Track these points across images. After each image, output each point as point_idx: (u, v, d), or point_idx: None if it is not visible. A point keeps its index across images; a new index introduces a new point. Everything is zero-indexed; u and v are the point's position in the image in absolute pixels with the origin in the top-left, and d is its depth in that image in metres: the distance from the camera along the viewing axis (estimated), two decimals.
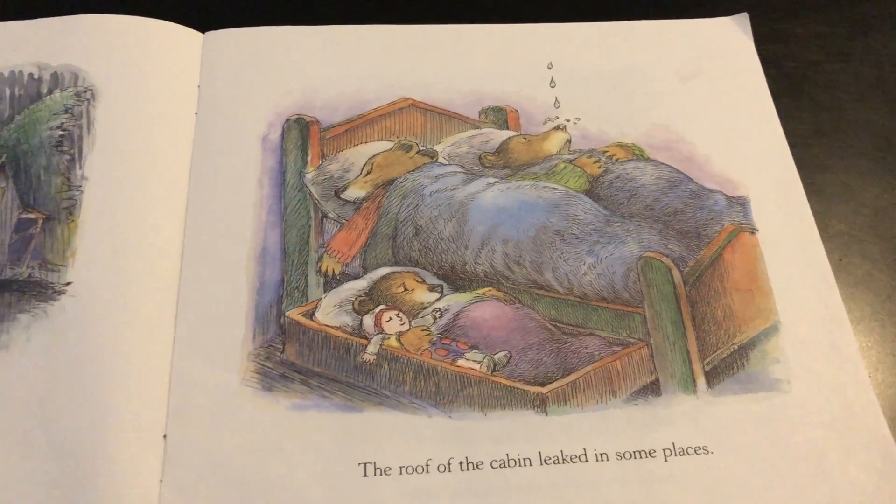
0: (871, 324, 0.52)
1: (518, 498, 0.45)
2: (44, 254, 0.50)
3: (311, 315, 0.51)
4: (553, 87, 0.60)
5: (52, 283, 0.49)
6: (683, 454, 0.46)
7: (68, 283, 0.49)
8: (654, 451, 0.46)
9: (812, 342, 0.50)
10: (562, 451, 0.46)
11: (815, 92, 0.62)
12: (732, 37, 0.62)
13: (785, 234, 0.54)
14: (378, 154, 0.57)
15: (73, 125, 0.54)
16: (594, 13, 0.63)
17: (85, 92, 0.56)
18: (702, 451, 0.47)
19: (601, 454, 0.46)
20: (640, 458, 0.46)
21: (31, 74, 0.56)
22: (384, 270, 0.53)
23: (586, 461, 0.46)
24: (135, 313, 0.49)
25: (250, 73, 0.59)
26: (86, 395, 0.46)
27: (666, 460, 0.46)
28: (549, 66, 0.61)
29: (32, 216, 0.52)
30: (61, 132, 0.54)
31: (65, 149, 0.54)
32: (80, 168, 0.53)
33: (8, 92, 0.56)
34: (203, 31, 0.60)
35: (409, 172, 0.56)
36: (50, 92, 0.56)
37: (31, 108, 0.55)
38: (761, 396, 0.48)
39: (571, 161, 0.57)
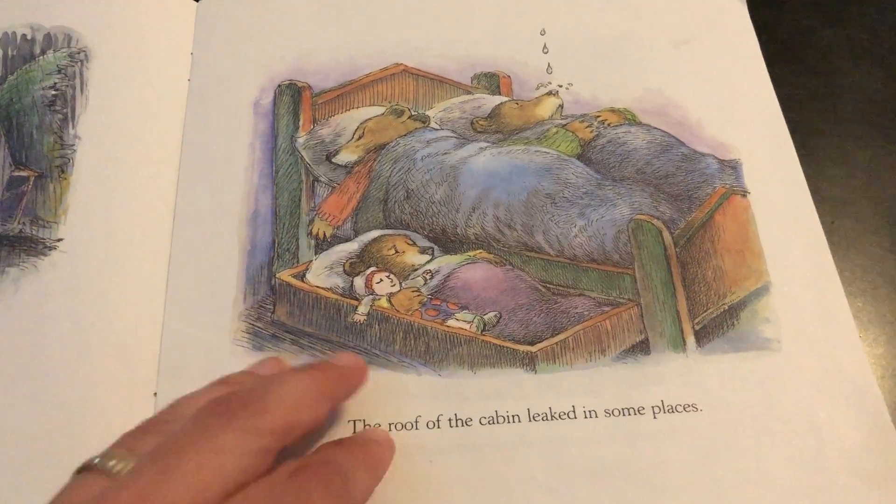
0: (862, 284, 0.52)
1: (507, 453, 0.45)
2: (35, 210, 0.51)
3: (301, 277, 0.51)
4: (546, 52, 0.60)
5: (43, 238, 0.50)
6: (672, 411, 0.46)
7: (59, 240, 0.50)
8: (643, 409, 0.46)
9: (803, 302, 0.50)
10: (550, 408, 0.46)
11: (809, 57, 0.61)
12: (726, 2, 0.62)
13: (777, 197, 0.54)
14: (370, 119, 0.57)
15: (66, 85, 0.55)
16: None
17: (78, 53, 0.56)
18: (691, 408, 0.46)
19: (590, 411, 0.46)
20: (629, 415, 0.46)
21: (24, 35, 0.56)
22: (375, 233, 0.53)
23: (575, 418, 0.46)
24: (126, 272, 0.49)
25: (243, 39, 0.59)
26: (75, 351, 0.46)
27: (655, 417, 0.46)
28: (542, 33, 0.61)
29: (24, 174, 0.52)
30: (54, 92, 0.54)
31: (57, 108, 0.54)
32: (73, 127, 0.53)
33: (1, 52, 0.56)
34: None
35: (400, 137, 0.56)
36: (43, 52, 0.56)
37: (23, 69, 0.55)
38: (751, 355, 0.48)
39: (563, 126, 0.57)
